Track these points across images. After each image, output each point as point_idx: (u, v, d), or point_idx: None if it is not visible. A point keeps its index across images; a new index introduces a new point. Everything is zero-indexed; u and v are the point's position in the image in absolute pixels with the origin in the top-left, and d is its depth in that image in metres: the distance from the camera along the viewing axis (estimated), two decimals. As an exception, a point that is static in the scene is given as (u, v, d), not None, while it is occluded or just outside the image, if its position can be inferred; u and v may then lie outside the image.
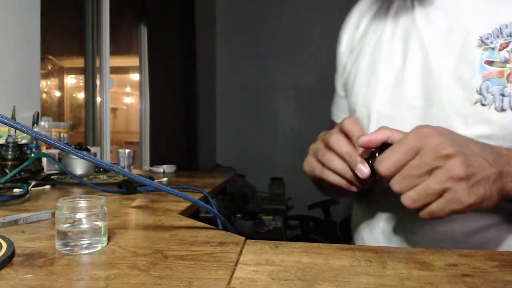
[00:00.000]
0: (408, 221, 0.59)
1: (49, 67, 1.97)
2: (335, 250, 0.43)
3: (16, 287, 0.32)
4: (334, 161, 0.52)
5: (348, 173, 0.50)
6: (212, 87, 4.18)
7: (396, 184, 0.44)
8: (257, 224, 3.13)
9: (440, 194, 0.42)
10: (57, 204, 0.42)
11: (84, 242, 0.41)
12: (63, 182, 1.00)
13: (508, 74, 0.51)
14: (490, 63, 0.52)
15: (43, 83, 1.90)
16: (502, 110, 0.51)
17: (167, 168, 1.55)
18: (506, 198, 0.45)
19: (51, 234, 0.48)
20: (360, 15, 0.76)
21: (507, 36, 0.52)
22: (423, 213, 0.44)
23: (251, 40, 4.15)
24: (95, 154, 1.52)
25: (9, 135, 0.93)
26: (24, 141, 1.02)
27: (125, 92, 2.91)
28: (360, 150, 0.49)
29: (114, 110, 2.64)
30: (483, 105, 0.52)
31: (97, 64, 2.27)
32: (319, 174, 0.55)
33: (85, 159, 0.42)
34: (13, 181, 0.84)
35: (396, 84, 0.62)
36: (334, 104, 0.84)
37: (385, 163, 0.44)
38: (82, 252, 0.40)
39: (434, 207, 0.42)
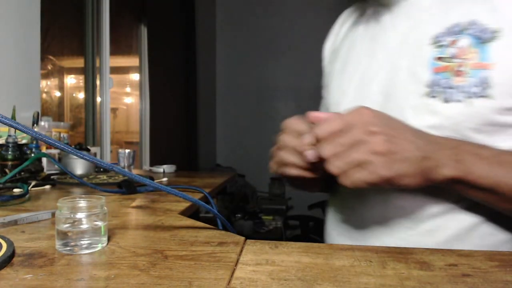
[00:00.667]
0: (360, 209, 0.64)
1: (49, 67, 1.97)
2: (335, 250, 0.43)
3: (16, 287, 0.32)
4: (287, 156, 0.56)
5: (302, 163, 0.54)
6: (212, 87, 4.18)
7: (324, 150, 0.48)
8: (257, 224, 3.13)
9: (361, 165, 0.46)
10: (57, 204, 0.42)
11: (84, 242, 0.41)
12: (63, 182, 1.00)
13: (455, 69, 0.56)
14: (440, 59, 0.57)
15: (43, 83, 1.90)
16: (448, 101, 0.56)
17: (167, 168, 1.55)
18: (436, 182, 0.49)
19: (51, 234, 0.48)
20: (341, 24, 0.83)
21: (456, 34, 0.57)
22: (346, 181, 0.47)
23: (252, 40, 4.15)
24: (95, 154, 1.52)
25: (9, 135, 0.93)
26: (24, 141, 1.03)
27: (125, 92, 2.91)
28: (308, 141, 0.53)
29: (114, 110, 2.64)
30: (432, 97, 0.57)
31: (97, 64, 2.27)
32: (281, 172, 0.59)
33: (85, 159, 0.42)
34: (13, 181, 0.84)
35: (361, 83, 0.68)
36: (320, 109, 0.87)
37: (321, 128, 0.49)
38: (82, 252, 0.40)
39: (355, 176, 0.47)
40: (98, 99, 2.29)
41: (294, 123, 0.56)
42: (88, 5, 2.21)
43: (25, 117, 1.28)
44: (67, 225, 0.41)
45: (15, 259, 0.38)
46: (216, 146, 4.29)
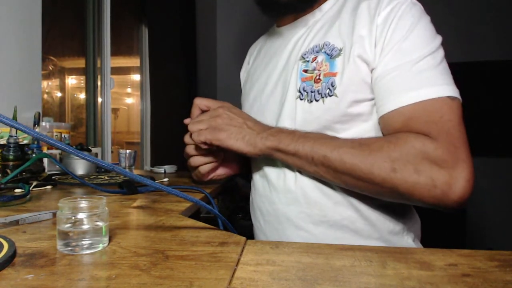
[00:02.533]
0: (270, 194, 0.83)
1: (50, 68, 1.98)
2: (335, 250, 0.43)
3: (18, 287, 0.32)
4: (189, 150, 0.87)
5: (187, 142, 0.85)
6: (213, 87, 4.18)
7: (192, 123, 0.78)
8: (258, 224, 3.12)
9: (207, 129, 0.76)
10: (58, 204, 0.42)
11: (85, 242, 0.41)
12: (64, 182, 1.01)
13: (315, 77, 0.75)
14: (306, 71, 0.78)
15: (44, 83, 1.90)
16: (311, 101, 0.75)
17: (168, 168, 1.55)
18: (262, 150, 0.73)
19: (52, 234, 0.48)
20: (251, 54, 1.10)
21: (316, 52, 0.77)
22: (196, 138, 0.76)
23: (252, 40, 4.15)
24: (96, 155, 1.52)
25: (11, 136, 0.93)
26: (25, 142, 1.03)
27: (126, 93, 2.91)
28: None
29: (115, 110, 2.65)
30: (301, 99, 0.77)
31: (98, 65, 2.27)
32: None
33: (86, 159, 0.42)
34: (14, 181, 0.84)
35: (263, 97, 0.88)
36: None
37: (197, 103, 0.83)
38: (83, 252, 0.41)
39: (202, 133, 0.75)
40: (99, 100, 2.29)
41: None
42: (89, 6, 2.21)
43: (26, 117, 1.29)
44: (68, 225, 0.41)
45: (16, 259, 0.38)
46: (217, 146, 4.28)
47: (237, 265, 0.38)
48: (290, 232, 0.79)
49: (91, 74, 2.24)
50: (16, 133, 0.95)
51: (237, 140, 0.73)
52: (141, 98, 2.77)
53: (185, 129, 0.83)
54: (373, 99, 0.72)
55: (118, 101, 2.78)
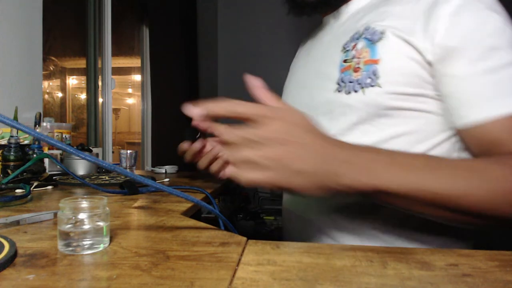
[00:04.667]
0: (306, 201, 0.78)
1: (51, 68, 1.98)
2: (336, 250, 0.43)
3: (19, 287, 0.32)
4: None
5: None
6: (214, 87, 4.18)
7: (222, 132, 0.46)
8: (259, 225, 3.13)
9: (250, 164, 0.44)
10: (59, 204, 0.42)
11: (86, 242, 0.41)
12: (65, 182, 1.01)
13: (354, 66, 0.68)
14: (345, 61, 0.71)
15: (45, 84, 1.90)
16: (349, 93, 0.68)
17: (169, 168, 1.55)
18: (338, 189, 0.47)
19: (53, 234, 0.48)
20: (300, 47, 1.03)
21: (356, 39, 0.70)
22: (239, 176, 0.45)
23: (254, 40, 4.15)
24: (97, 155, 1.52)
25: (12, 136, 0.94)
26: (26, 142, 1.03)
27: (127, 93, 2.92)
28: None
29: (116, 110, 2.65)
30: (339, 91, 0.70)
31: (99, 65, 2.28)
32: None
33: (87, 159, 0.42)
34: (15, 181, 0.84)
35: (297, 88, 0.85)
36: None
37: (238, 106, 0.48)
38: (84, 253, 0.41)
39: (247, 173, 0.44)
40: (100, 100, 2.29)
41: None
42: (90, 6, 2.21)
43: (27, 117, 1.29)
44: (69, 225, 0.41)
45: (17, 260, 0.38)
46: (217, 146, 4.28)
47: (238, 265, 0.38)
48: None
49: (92, 75, 2.24)
50: (17, 133, 0.95)
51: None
52: (142, 98, 2.77)
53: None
54: (426, 95, 0.64)
55: (119, 102, 2.78)
